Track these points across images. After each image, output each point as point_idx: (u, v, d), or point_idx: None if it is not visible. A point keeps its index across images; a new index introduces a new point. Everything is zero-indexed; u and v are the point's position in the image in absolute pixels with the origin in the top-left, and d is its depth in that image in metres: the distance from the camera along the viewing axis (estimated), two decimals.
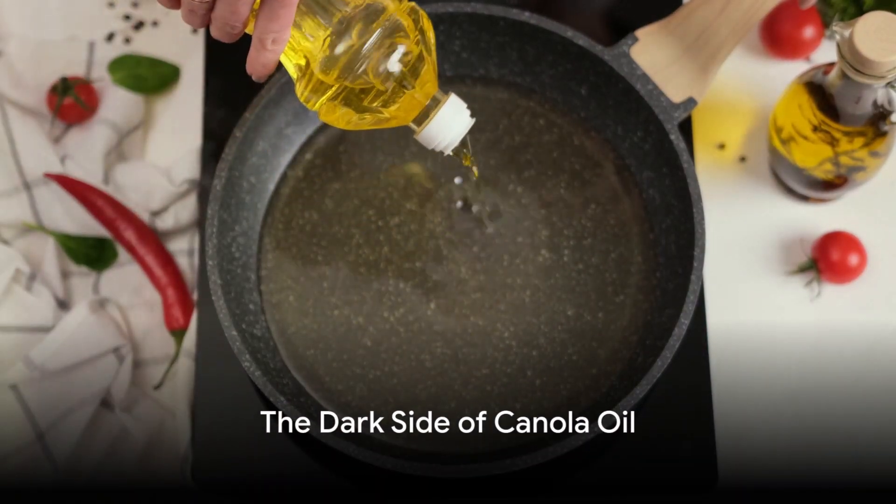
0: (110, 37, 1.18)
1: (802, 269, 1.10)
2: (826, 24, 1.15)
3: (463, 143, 0.95)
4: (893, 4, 1.10)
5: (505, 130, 1.10)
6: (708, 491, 1.03)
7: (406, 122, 0.91)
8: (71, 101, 1.12)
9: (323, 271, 1.07)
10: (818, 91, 1.02)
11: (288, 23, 0.82)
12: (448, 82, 1.11)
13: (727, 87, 1.15)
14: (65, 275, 1.12)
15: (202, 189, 1.10)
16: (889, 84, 0.99)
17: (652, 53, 1.05)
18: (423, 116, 0.91)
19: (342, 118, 0.89)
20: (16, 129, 1.12)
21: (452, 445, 1.03)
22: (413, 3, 0.89)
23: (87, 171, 1.12)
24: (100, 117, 1.14)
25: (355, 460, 0.98)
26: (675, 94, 1.04)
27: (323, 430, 0.98)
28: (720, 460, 1.05)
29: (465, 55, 1.10)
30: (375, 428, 1.03)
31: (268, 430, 1.04)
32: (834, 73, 0.99)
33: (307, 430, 0.98)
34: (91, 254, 1.12)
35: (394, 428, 1.03)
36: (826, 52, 1.15)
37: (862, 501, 1.06)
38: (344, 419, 1.03)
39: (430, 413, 1.04)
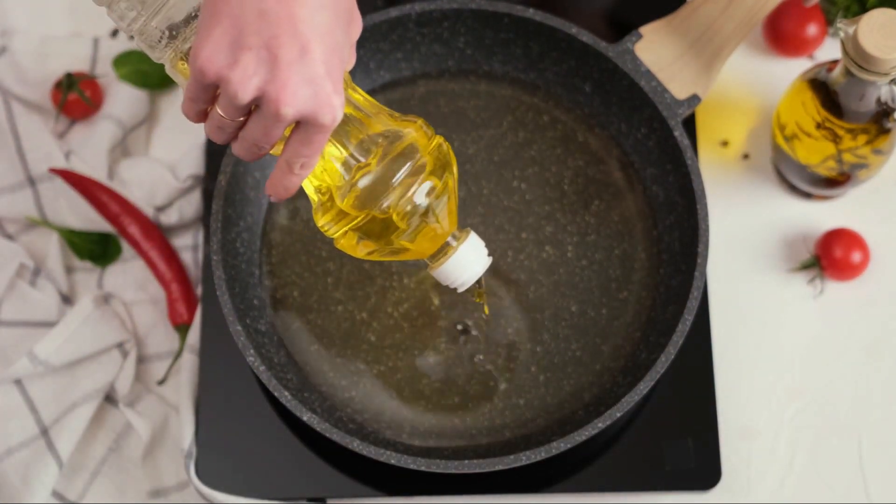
0: (115, 32, 1.18)
1: (805, 267, 1.10)
2: (829, 22, 1.15)
3: (477, 281, 0.94)
4: None
5: (509, 127, 1.10)
6: (711, 489, 1.03)
7: (424, 257, 0.90)
8: (75, 97, 1.13)
9: (327, 267, 1.07)
10: (822, 88, 1.02)
11: (319, 149, 0.79)
12: (452, 78, 1.11)
13: (731, 85, 1.15)
14: (69, 270, 1.12)
15: (206, 184, 1.10)
16: (893, 81, 0.99)
17: (656, 50, 1.05)
18: (441, 252, 0.90)
19: (360, 248, 0.87)
20: (20, 124, 1.12)
21: (456, 441, 1.03)
22: (441, 137, 0.88)
23: (92, 166, 1.12)
24: (104, 113, 1.14)
25: (359, 455, 0.98)
26: (679, 90, 1.04)
27: (326, 425, 0.98)
28: (723, 458, 1.05)
29: (470, 51, 1.10)
30: (379, 423, 1.03)
31: (271, 425, 1.04)
32: (838, 71, 0.99)
33: (311, 424, 0.98)
34: (95, 249, 1.12)
35: (397, 424, 1.03)
36: (829, 50, 1.16)
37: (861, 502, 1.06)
38: (347, 414, 1.03)
39: (433, 408, 1.04)
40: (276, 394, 0.98)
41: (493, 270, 1.07)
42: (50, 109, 1.14)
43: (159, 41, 0.82)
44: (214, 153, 1.10)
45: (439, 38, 1.09)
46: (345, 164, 0.84)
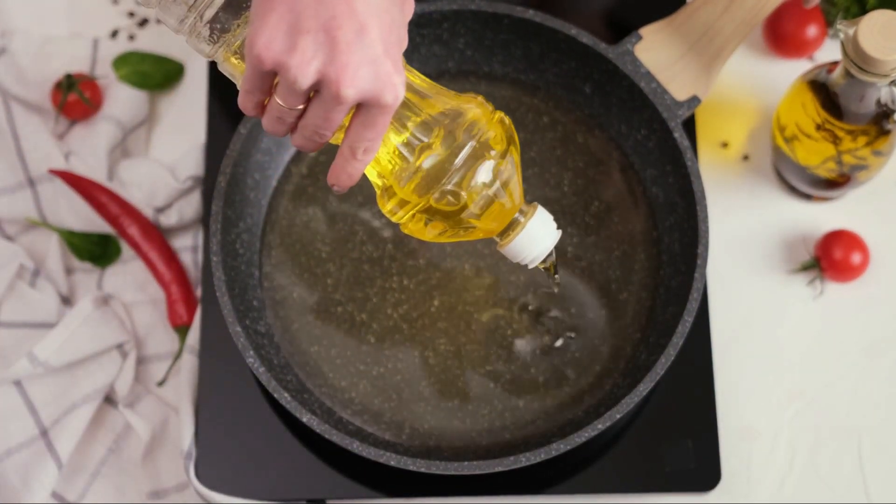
0: (114, 33, 1.18)
1: (805, 268, 1.10)
2: (829, 23, 1.15)
3: (548, 255, 0.92)
4: None
5: None
6: (711, 490, 1.03)
7: (493, 235, 0.89)
8: (75, 98, 1.12)
9: (327, 268, 1.07)
10: (822, 89, 1.02)
11: (382, 131, 0.78)
12: (452, 79, 1.11)
13: (731, 86, 1.15)
14: (69, 271, 1.12)
15: (206, 186, 1.10)
16: (893, 82, 0.99)
17: (656, 51, 1.05)
18: (509, 228, 0.89)
19: (429, 231, 0.86)
20: (20, 125, 1.12)
21: (455, 442, 1.03)
22: (501, 112, 0.87)
23: (92, 167, 1.12)
24: (104, 114, 1.14)
25: (358, 457, 0.98)
26: (679, 92, 1.04)
27: (326, 426, 0.98)
28: (723, 459, 1.05)
29: (470, 52, 1.10)
30: (378, 425, 1.03)
31: (271, 426, 1.04)
32: (837, 72, 0.99)
33: (311, 426, 0.98)
34: (95, 250, 1.12)
35: (396, 425, 1.03)
36: (829, 51, 1.16)
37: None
38: (347, 415, 1.03)
39: (433, 410, 1.04)
40: (275, 395, 0.98)
41: (492, 271, 1.07)
42: (49, 110, 1.14)
43: (210, 36, 0.81)
44: (214, 154, 1.10)
45: (439, 40, 1.09)
46: (407, 145, 0.83)
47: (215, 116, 1.12)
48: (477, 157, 0.84)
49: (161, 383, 1.09)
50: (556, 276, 0.97)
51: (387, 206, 0.86)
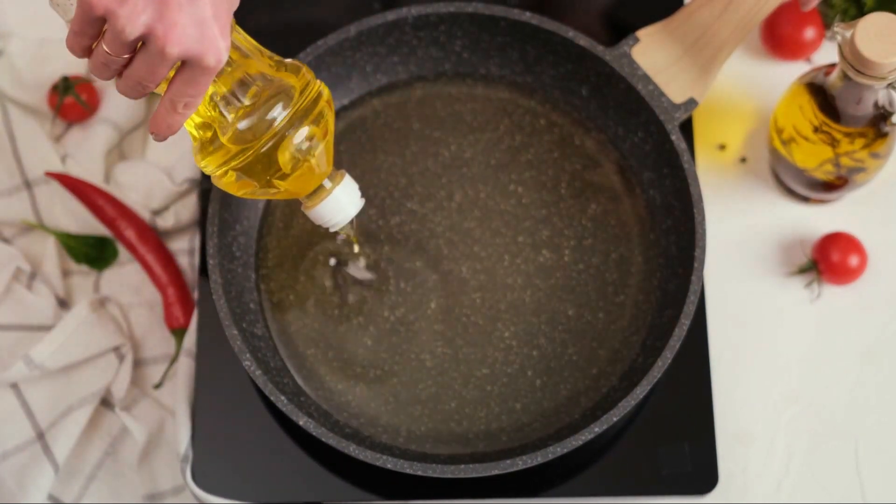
0: None
1: (803, 270, 1.10)
2: (827, 25, 1.15)
3: (350, 224, 0.97)
4: (894, 5, 1.10)
5: (506, 130, 1.10)
6: (707, 493, 1.03)
7: (300, 196, 0.93)
8: (72, 100, 1.12)
9: (323, 271, 1.07)
10: (819, 92, 1.02)
11: (204, 89, 0.81)
12: (449, 82, 1.11)
13: (728, 88, 1.15)
14: (65, 273, 1.12)
15: (203, 188, 1.10)
16: (890, 85, 0.99)
17: (653, 54, 1.05)
18: (316, 193, 0.93)
19: (239, 187, 0.90)
20: (17, 127, 1.12)
21: (452, 445, 1.03)
22: (320, 82, 0.90)
23: (88, 169, 1.12)
24: (101, 116, 1.14)
25: (355, 460, 0.98)
26: (676, 94, 1.04)
27: (323, 429, 0.98)
28: (720, 462, 1.05)
29: (466, 55, 1.10)
30: (375, 427, 1.03)
31: (268, 429, 1.04)
32: (835, 74, 0.99)
33: (307, 429, 0.98)
34: (91, 253, 1.12)
35: (393, 428, 1.03)
36: (827, 54, 1.15)
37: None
38: (343, 418, 1.03)
39: (429, 412, 1.04)
40: (272, 398, 0.98)
41: (489, 274, 1.07)
42: (46, 113, 1.14)
43: None
44: None
45: (436, 42, 1.09)
46: (226, 102, 0.86)
47: None
48: (291, 122, 0.87)
49: (158, 386, 1.09)
50: (357, 248, 1.03)
51: (201, 161, 0.89)
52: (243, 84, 0.86)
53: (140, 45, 0.79)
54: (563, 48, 1.07)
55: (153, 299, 1.11)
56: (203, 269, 1.07)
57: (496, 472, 0.97)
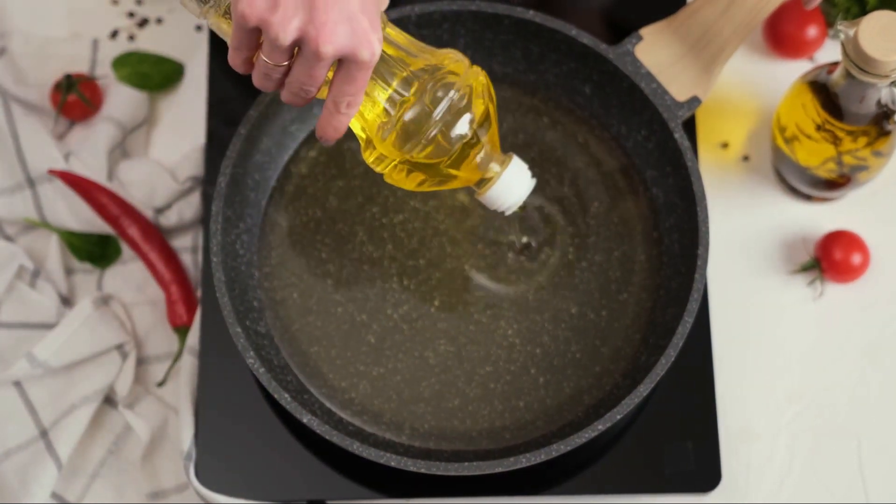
0: (114, 34, 1.18)
1: (805, 269, 1.10)
2: (830, 24, 1.15)
3: (523, 204, 0.97)
4: None
5: (509, 128, 1.10)
6: (710, 491, 1.03)
7: (471, 183, 0.93)
8: (75, 99, 1.12)
9: (327, 268, 1.07)
10: (822, 90, 1.02)
11: (363, 86, 0.83)
12: None
13: (731, 87, 1.15)
14: (68, 271, 1.12)
15: (206, 186, 1.10)
16: (893, 83, 0.99)
17: (656, 52, 1.05)
18: (486, 177, 0.93)
19: (410, 181, 0.91)
20: (20, 125, 1.12)
21: (456, 443, 1.03)
22: (479, 67, 0.91)
23: (91, 168, 1.12)
24: (104, 114, 1.14)
25: (358, 457, 0.98)
26: (679, 92, 1.04)
27: (326, 427, 0.98)
28: (723, 460, 1.05)
29: (469, 53, 1.10)
30: (378, 425, 1.03)
31: (271, 427, 1.04)
32: (838, 73, 0.99)
33: (311, 426, 0.98)
34: (95, 251, 1.12)
35: (396, 425, 1.03)
36: (829, 52, 1.16)
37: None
38: (347, 416, 1.03)
39: (433, 410, 1.04)
40: (275, 396, 0.98)
41: (492, 272, 1.07)
42: (49, 111, 1.14)
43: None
44: (214, 155, 1.10)
45: (439, 40, 1.09)
46: (389, 99, 0.88)
47: (215, 117, 1.12)
48: (455, 110, 0.88)
49: (161, 384, 1.09)
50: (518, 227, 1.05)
51: (370, 158, 0.90)
52: (403, 79, 0.87)
53: (296, 51, 0.82)
54: (566, 46, 1.07)
55: (156, 297, 1.11)
56: (206, 267, 1.07)
57: (499, 469, 0.97)
